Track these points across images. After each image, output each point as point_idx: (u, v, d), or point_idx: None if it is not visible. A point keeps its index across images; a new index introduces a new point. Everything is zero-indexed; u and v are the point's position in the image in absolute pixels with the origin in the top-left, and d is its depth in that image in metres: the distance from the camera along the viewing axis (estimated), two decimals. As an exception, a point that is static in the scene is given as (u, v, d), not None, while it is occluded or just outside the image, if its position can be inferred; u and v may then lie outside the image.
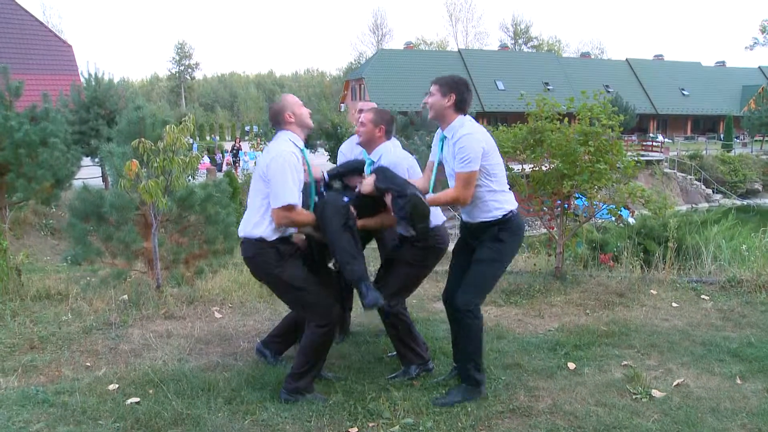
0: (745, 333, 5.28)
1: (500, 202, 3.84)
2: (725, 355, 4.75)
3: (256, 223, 3.76)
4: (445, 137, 3.87)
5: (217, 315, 5.71)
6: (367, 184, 3.92)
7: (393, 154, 4.11)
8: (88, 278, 6.79)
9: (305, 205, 3.89)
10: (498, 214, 3.83)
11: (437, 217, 4.16)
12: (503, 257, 3.90)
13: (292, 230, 3.89)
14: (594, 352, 4.79)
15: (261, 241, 3.75)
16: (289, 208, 3.66)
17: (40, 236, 15.64)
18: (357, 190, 4.04)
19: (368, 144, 4.18)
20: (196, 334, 5.14)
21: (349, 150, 5.05)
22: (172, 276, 6.56)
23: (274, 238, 3.76)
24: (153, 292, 6.07)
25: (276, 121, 3.92)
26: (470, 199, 3.76)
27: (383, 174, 3.89)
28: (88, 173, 18.37)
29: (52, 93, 16.98)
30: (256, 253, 3.79)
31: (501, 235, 3.83)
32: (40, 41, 27.29)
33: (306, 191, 3.92)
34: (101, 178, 20.15)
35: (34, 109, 11.14)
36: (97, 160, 19.69)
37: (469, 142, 3.70)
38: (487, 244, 3.86)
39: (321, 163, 13.01)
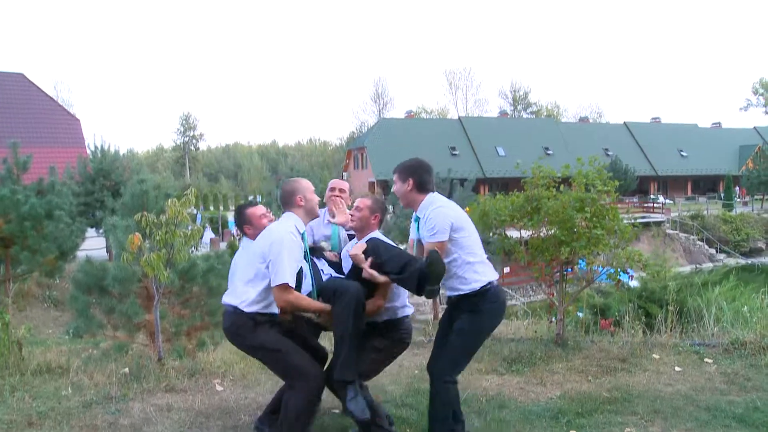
0: (751, 397, 5.22)
1: (478, 273, 3.92)
2: (731, 420, 4.70)
3: (239, 293, 3.82)
4: (419, 218, 4.01)
5: (219, 388, 5.67)
6: (358, 247, 3.96)
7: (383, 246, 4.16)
8: (90, 351, 6.78)
9: (298, 287, 3.92)
10: (476, 285, 3.89)
11: (405, 308, 4.25)
12: (481, 329, 3.97)
13: (275, 309, 3.90)
14: (597, 419, 4.75)
15: (237, 310, 3.79)
16: (286, 289, 3.69)
17: (43, 308, 15.62)
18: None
19: (360, 230, 4.25)
20: (197, 407, 5.11)
21: (317, 225, 4.86)
22: (173, 348, 6.56)
23: (252, 310, 3.80)
24: (154, 364, 6.05)
25: (286, 201, 3.98)
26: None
27: (378, 245, 3.95)
28: (93, 244, 18.48)
29: (60, 165, 17.34)
30: (232, 322, 3.83)
31: (479, 306, 3.89)
32: (49, 115, 28.04)
33: (299, 275, 3.94)
34: (105, 249, 20.28)
35: (41, 182, 11.36)
36: (101, 231, 19.89)
37: (436, 214, 3.85)
38: (465, 316, 3.92)
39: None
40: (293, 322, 4.04)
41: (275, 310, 3.86)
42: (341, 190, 4.83)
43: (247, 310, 3.78)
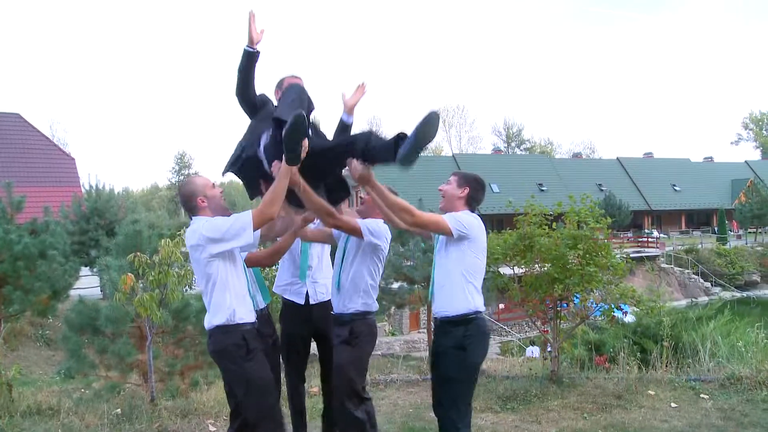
0: (748, 433, 5.21)
1: (471, 295, 3.87)
2: (727, 457, 4.68)
3: (212, 312, 3.59)
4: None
5: (212, 428, 5.62)
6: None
7: (377, 224, 4.15)
8: (82, 391, 6.72)
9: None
10: (463, 310, 3.84)
11: (370, 299, 4.21)
12: (469, 369, 3.91)
13: (250, 319, 3.69)
14: (593, 457, 4.72)
15: (225, 328, 3.57)
16: (257, 217, 3.48)
17: (35, 347, 15.49)
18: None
19: (365, 214, 4.22)
20: (189, 448, 5.06)
21: None
22: (166, 388, 6.51)
23: (235, 321, 3.57)
24: (147, 405, 6.00)
25: (188, 208, 3.71)
26: (419, 221, 3.78)
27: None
28: (87, 283, 18.40)
29: (55, 204, 17.36)
30: (223, 345, 3.59)
31: (464, 342, 3.82)
32: (44, 155, 28.18)
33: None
34: (100, 289, 20.17)
35: (35, 222, 11.34)
36: (96, 270, 19.79)
37: (468, 219, 3.86)
38: (451, 357, 3.86)
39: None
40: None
41: (252, 316, 3.71)
42: None
43: (228, 322, 3.55)
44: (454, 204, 3.97)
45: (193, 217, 3.70)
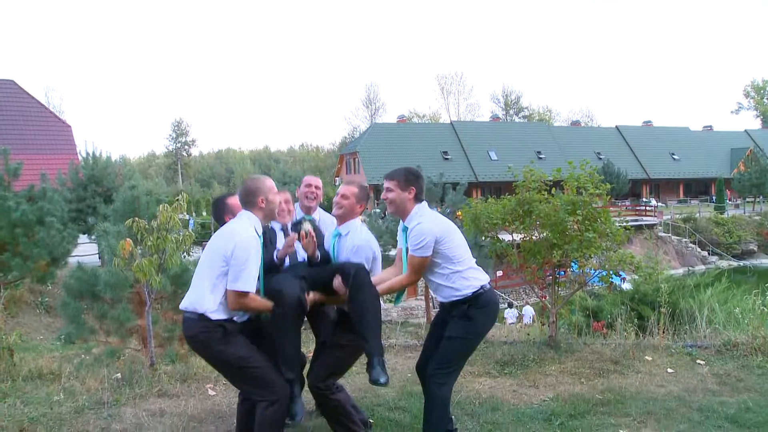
0: (743, 398, 5.25)
1: (468, 279, 3.95)
2: (723, 421, 4.73)
3: (206, 299, 3.61)
4: (407, 228, 4.02)
5: (211, 392, 5.66)
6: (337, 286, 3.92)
7: (360, 235, 4.15)
8: (82, 356, 6.76)
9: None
10: (468, 291, 3.93)
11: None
12: (473, 335, 3.99)
13: (238, 315, 3.80)
14: (589, 421, 4.76)
15: (205, 318, 3.61)
16: (244, 295, 3.59)
17: (35, 314, 15.53)
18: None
19: (344, 216, 4.19)
20: (190, 412, 5.09)
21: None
22: (166, 353, 6.54)
23: (219, 317, 3.64)
24: (147, 369, 6.03)
25: (247, 200, 3.79)
26: (417, 280, 3.95)
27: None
28: (86, 250, 18.41)
29: (51, 172, 17.30)
30: (200, 331, 3.63)
31: (470, 312, 3.92)
32: (40, 122, 27.99)
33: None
34: (98, 256, 20.21)
35: (32, 189, 11.33)
36: (93, 237, 19.77)
37: (421, 230, 3.87)
38: (457, 321, 3.95)
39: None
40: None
41: (231, 318, 3.75)
42: (316, 187, 4.85)
43: (213, 317, 3.62)
44: (405, 206, 4.02)
45: (244, 211, 3.78)
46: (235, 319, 3.75)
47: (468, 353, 4.12)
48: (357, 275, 3.79)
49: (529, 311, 19.88)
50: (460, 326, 3.94)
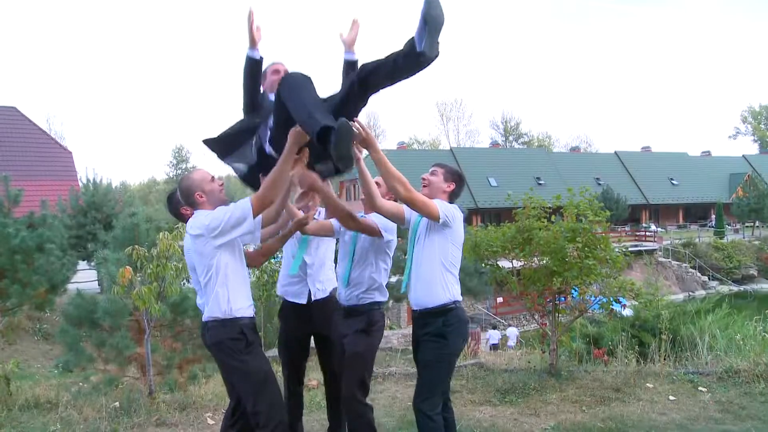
0: (746, 426, 5.22)
1: (447, 287, 3.86)
2: (726, 450, 4.69)
3: (220, 301, 3.53)
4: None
5: (210, 421, 5.62)
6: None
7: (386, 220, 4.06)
8: (80, 385, 6.72)
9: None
10: (442, 300, 3.84)
11: (383, 292, 4.22)
12: (448, 355, 3.90)
13: (249, 314, 3.65)
14: (591, 450, 4.72)
15: (228, 322, 3.54)
16: (256, 203, 3.44)
17: (33, 341, 15.48)
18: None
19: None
20: (188, 441, 5.06)
21: None
22: (164, 381, 6.51)
23: (242, 314, 3.57)
24: (145, 398, 6.00)
25: (188, 204, 3.71)
26: (411, 196, 3.67)
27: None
28: (85, 277, 18.40)
29: (52, 198, 17.33)
30: (221, 338, 3.55)
31: (444, 330, 3.83)
32: (42, 149, 28.24)
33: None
34: (97, 283, 20.17)
35: (32, 215, 11.33)
36: (93, 264, 19.75)
37: (453, 208, 3.89)
38: (430, 344, 3.86)
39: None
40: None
41: (251, 310, 3.67)
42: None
43: (236, 315, 3.54)
44: (438, 196, 3.97)
45: (195, 212, 3.66)
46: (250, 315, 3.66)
47: (447, 376, 4.02)
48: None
49: (513, 333, 20.15)
50: (434, 349, 3.85)
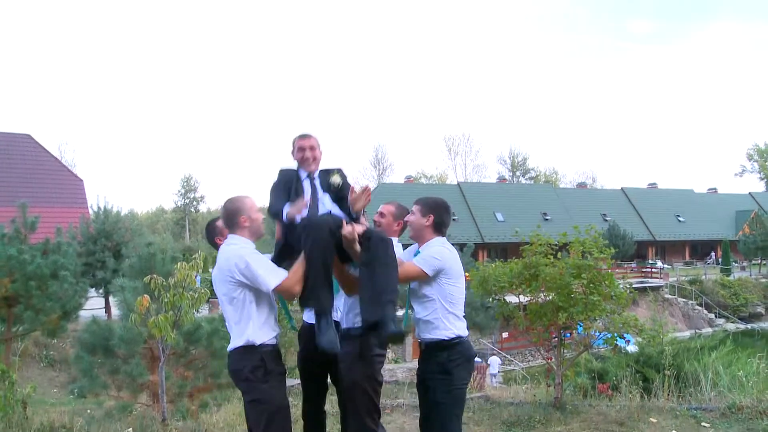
0: (748, 462, 5.28)
1: (452, 323, 3.92)
2: (729, 485, 4.75)
3: (246, 331, 3.61)
4: (419, 252, 4.05)
5: (221, 449, 5.72)
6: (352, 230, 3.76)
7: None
8: (89, 411, 6.82)
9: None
10: (449, 334, 3.90)
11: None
12: (457, 389, 3.94)
13: (271, 342, 3.74)
14: (595, 483, 4.80)
15: (251, 349, 3.61)
16: (286, 284, 3.59)
17: (39, 368, 15.56)
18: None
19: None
20: (200, 468, 5.15)
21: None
22: (176, 409, 6.62)
23: (265, 341, 3.64)
24: (158, 425, 6.09)
25: (229, 223, 3.79)
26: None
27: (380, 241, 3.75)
28: (92, 304, 18.51)
29: (63, 225, 17.60)
30: (243, 365, 3.62)
31: (449, 366, 3.88)
32: (54, 176, 28.68)
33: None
34: (104, 310, 20.30)
35: (48, 242, 11.55)
36: (101, 291, 19.92)
37: (440, 251, 3.92)
38: (438, 381, 3.90)
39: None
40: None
41: (273, 337, 3.74)
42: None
43: (258, 342, 3.62)
44: (423, 233, 4.05)
45: (229, 235, 3.80)
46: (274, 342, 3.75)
47: (461, 409, 4.06)
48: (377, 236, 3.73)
49: (495, 361, 21.02)
50: (443, 386, 3.88)
